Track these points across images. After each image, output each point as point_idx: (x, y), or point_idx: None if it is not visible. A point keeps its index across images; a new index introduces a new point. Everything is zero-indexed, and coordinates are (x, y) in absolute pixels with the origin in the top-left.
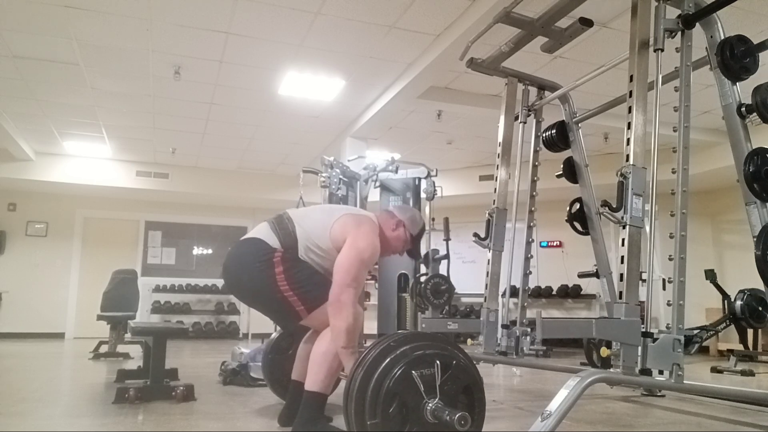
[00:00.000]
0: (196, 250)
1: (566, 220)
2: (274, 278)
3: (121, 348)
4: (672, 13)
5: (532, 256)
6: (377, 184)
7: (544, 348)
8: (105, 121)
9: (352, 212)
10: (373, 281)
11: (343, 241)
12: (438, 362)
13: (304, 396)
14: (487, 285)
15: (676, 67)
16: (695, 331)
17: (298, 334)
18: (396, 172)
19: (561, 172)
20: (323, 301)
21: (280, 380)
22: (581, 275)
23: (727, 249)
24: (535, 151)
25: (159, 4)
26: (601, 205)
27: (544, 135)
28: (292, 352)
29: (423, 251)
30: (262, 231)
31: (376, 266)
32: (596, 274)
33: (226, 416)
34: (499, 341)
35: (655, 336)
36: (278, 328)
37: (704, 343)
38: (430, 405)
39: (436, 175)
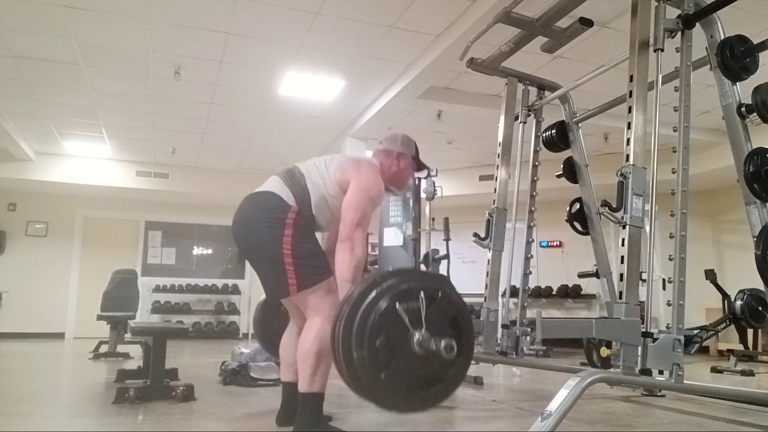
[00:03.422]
0: (196, 250)
1: (566, 220)
2: (281, 239)
3: (121, 348)
4: (672, 13)
5: (532, 256)
6: None
7: (544, 348)
8: (105, 121)
9: (352, 157)
10: None
11: (347, 183)
12: (423, 294)
13: (300, 399)
14: (487, 285)
15: (676, 67)
16: (695, 331)
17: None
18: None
19: (561, 172)
20: (316, 282)
21: (269, 339)
22: (581, 275)
23: (727, 249)
24: (535, 151)
25: (159, 4)
26: (601, 205)
27: (544, 135)
28: (283, 311)
29: (423, 251)
30: (274, 184)
31: (377, 266)
32: (596, 274)
33: (226, 416)
34: (499, 341)
35: (655, 336)
36: None
37: (704, 343)
38: (416, 336)
39: (436, 175)
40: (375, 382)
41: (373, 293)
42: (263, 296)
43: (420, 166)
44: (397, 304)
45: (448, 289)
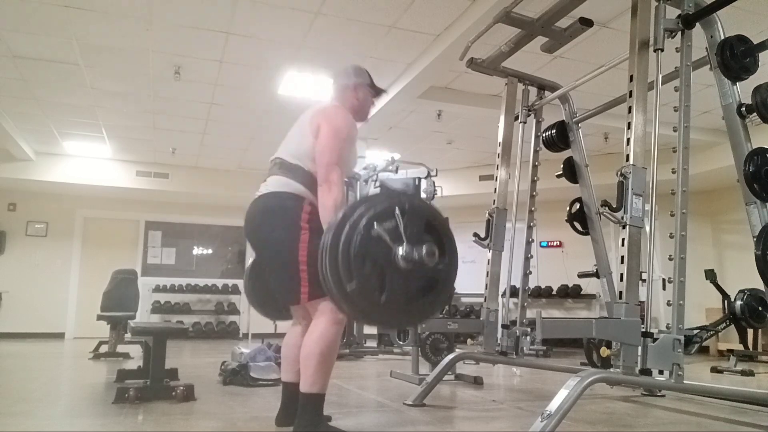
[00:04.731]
0: (196, 250)
1: (566, 220)
2: (297, 245)
3: (121, 348)
4: (672, 13)
5: (532, 256)
6: (377, 183)
7: (544, 348)
8: (105, 121)
9: (316, 108)
10: None
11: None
12: (396, 210)
13: (301, 399)
14: (487, 285)
15: (676, 67)
16: (695, 331)
17: None
18: (396, 172)
19: (561, 172)
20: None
21: (261, 302)
22: (581, 275)
23: (727, 249)
24: (535, 151)
25: (159, 4)
26: (601, 205)
27: (544, 135)
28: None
29: None
30: (278, 183)
31: None
32: (596, 274)
33: (226, 416)
34: (499, 341)
35: (655, 336)
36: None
37: (704, 343)
38: (399, 252)
39: (436, 175)
40: (374, 307)
41: (347, 226)
42: (251, 259)
43: (377, 91)
44: (373, 226)
45: (414, 200)
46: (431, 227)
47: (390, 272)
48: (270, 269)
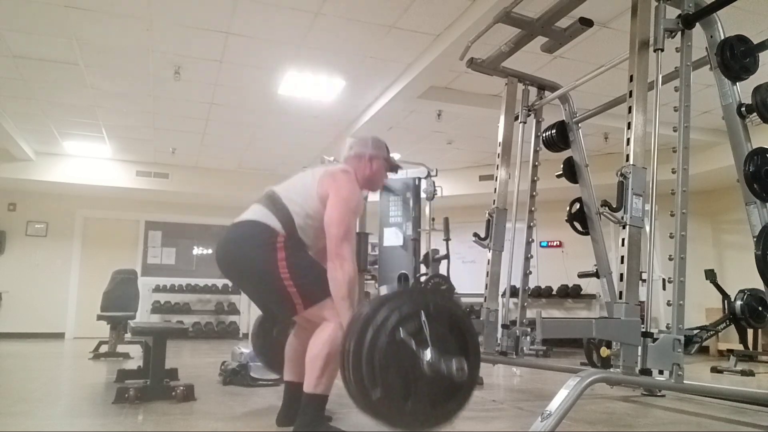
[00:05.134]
0: (196, 250)
1: (566, 220)
2: (276, 264)
3: (121, 348)
4: (672, 13)
5: (532, 256)
6: None
7: (544, 348)
8: (105, 121)
9: (327, 169)
10: (373, 281)
11: (327, 196)
12: (422, 315)
13: (303, 398)
14: (487, 285)
15: (676, 67)
16: (695, 331)
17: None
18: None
19: (561, 172)
20: (322, 297)
21: (274, 360)
22: (581, 275)
23: (727, 249)
24: (535, 151)
25: (159, 4)
26: (601, 205)
27: (544, 135)
28: (276, 333)
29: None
30: (258, 213)
31: (376, 266)
32: (596, 274)
33: (226, 416)
34: (499, 341)
35: (655, 336)
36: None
37: (704, 343)
38: (426, 357)
39: (436, 175)
40: (400, 415)
41: (370, 330)
42: (255, 320)
43: (393, 166)
44: (398, 331)
45: (438, 299)
46: (454, 326)
47: (415, 378)
48: (252, 293)
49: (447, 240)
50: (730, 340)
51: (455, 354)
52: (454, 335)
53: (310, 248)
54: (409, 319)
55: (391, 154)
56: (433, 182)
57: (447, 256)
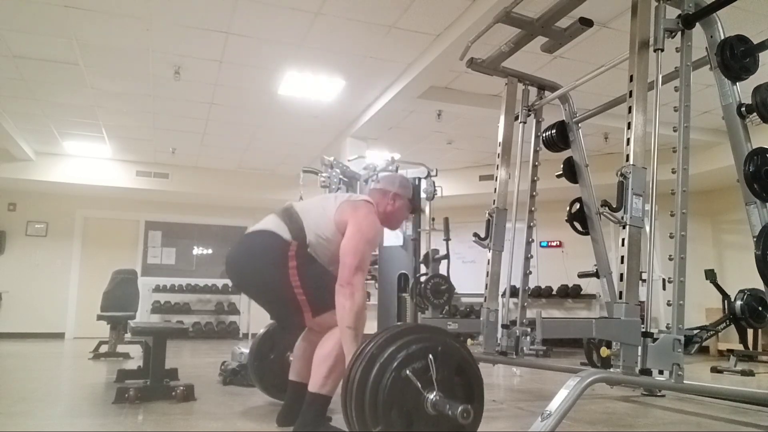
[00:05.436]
0: (196, 250)
1: (566, 220)
2: (287, 273)
3: (121, 348)
4: (672, 13)
5: (532, 256)
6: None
7: (544, 348)
8: (105, 121)
9: (350, 199)
10: (373, 281)
11: (345, 225)
12: (429, 354)
13: (307, 397)
14: (487, 285)
15: (676, 67)
16: (695, 331)
17: (279, 336)
18: (396, 172)
19: (561, 172)
20: (331, 306)
21: (271, 383)
22: (581, 275)
23: (727, 249)
24: (535, 151)
25: (159, 4)
26: (601, 205)
27: (544, 135)
28: (274, 356)
29: (423, 251)
30: (272, 223)
31: (376, 266)
32: (596, 274)
33: (226, 416)
34: (499, 341)
35: (655, 336)
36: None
37: (704, 343)
38: (429, 398)
39: (436, 175)
40: None
41: (376, 367)
42: (252, 342)
43: (415, 208)
44: (404, 370)
45: (447, 339)
46: (461, 370)
47: (417, 418)
48: (263, 302)
49: (447, 240)
50: (730, 340)
51: (464, 409)
52: (460, 377)
53: (325, 265)
54: (416, 358)
55: (392, 155)
56: (433, 182)
57: (447, 256)
